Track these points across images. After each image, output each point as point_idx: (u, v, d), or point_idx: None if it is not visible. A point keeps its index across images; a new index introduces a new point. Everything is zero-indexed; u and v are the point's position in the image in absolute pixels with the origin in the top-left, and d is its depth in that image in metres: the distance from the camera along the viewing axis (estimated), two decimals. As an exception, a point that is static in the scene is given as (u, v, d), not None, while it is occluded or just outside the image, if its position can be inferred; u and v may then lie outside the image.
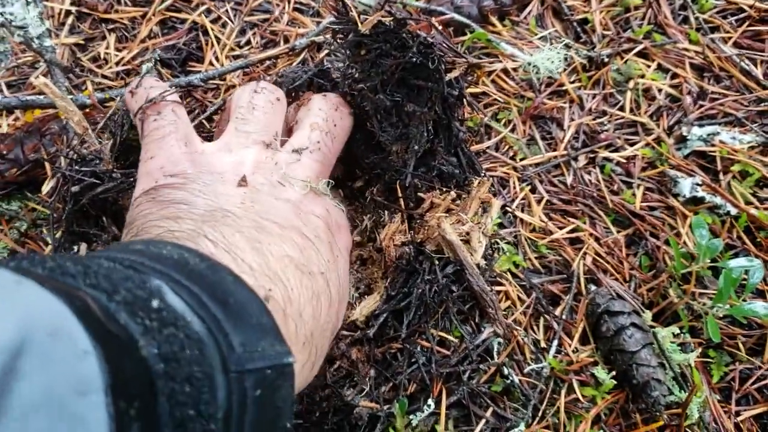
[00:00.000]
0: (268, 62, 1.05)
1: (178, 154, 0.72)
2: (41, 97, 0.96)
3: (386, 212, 0.89)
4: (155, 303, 0.41)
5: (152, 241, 0.53)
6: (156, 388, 0.37)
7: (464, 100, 0.87)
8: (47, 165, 0.92)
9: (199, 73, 1.01)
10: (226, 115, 0.85)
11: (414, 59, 0.80)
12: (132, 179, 0.84)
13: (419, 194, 0.86)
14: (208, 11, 1.11)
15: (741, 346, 0.88)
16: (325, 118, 0.81)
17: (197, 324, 0.43)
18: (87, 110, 0.98)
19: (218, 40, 1.07)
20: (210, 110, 0.97)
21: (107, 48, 1.07)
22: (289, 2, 1.12)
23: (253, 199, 0.68)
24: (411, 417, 0.78)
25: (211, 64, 1.05)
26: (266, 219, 0.65)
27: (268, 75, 1.03)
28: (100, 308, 0.38)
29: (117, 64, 1.05)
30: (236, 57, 1.06)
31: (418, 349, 0.80)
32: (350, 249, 0.82)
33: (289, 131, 0.84)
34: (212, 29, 1.08)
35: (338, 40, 0.90)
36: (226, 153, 0.74)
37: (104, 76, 1.04)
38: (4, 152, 0.94)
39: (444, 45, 0.91)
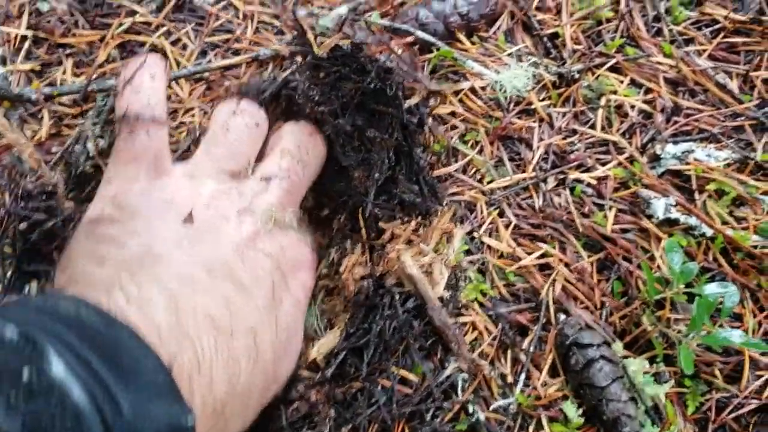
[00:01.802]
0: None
1: (134, 187, 0.69)
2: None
3: (349, 242, 0.87)
4: (25, 373, 0.39)
5: (51, 296, 0.53)
6: None
7: (425, 126, 0.85)
8: (-3, 200, 0.89)
9: None
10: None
11: (372, 84, 0.77)
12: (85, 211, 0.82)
13: (380, 224, 0.83)
14: (168, 33, 1.08)
15: (718, 373, 0.85)
16: (297, 145, 0.78)
17: (77, 392, 0.40)
18: (40, 141, 0.95)
19: (178, 63, 1.04)
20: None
21: (64, 73, 1.04)
22: (251, 21, 1.09)
23: (193, 240, 0.65)
24: (372, 459, 0.75)
25: (169, 86, 1.02)
26: (198, 264, 0.62)
27: (227, 81, 1.01)
28: None
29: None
30: (197, 79, 1.03)
31: (379, 388, 0.77)
32: (310, 288, 0.79)
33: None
34: (172, 51, 1.05)
35: (297, 62, 0.88)
36: (187, 179, 0.71)
37: (60, 103, 1.01)
38: (-45, 186, 0.91)
39: (405, 69, 0.88)
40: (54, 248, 0.81)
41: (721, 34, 1.06)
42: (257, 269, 0.67)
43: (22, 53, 1.06)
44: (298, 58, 0.86)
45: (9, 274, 0.79)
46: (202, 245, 0.65)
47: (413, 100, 0.81)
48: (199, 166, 0.73)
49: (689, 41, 1.06)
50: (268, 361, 0.65)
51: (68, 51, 1.07)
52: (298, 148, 0.78)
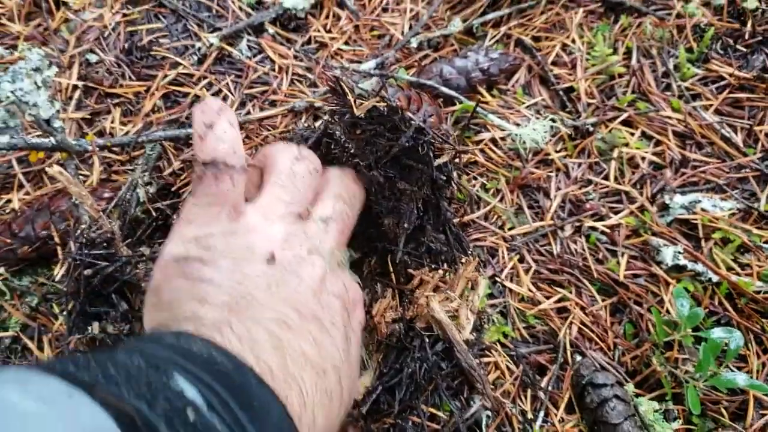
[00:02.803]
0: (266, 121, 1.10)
1: (216, 229, 0.73)
2: (46, 140, 1.00)
3: (379, 286, 0.94)
4: (191, 416, 0.45)
5: (183, 335, 0.57)
6: None
7: (452, 182, 0.91)
8: (58, 247, 0.97)
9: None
10: (256, 172, 0.85)
11: (406, 143, 0.84)
12: (140, 255, 0.89)
13: (409, 270, 0.90)
14: (210, 84, 1.16)
15: (724, 411, 0.91)
16: (345, 189, 0.84)
17: (225, 430, 0.46)
18: (94, 186, 1.03)
19: (219, 113, 1.12)
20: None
21: (113, 122, 1.12)
22: (287, 74, 1.17)
23: (278, 282, 0.69)
24: (403, 490, 0.82)
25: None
26: (289, 306, 0.67)
27: (265, 130, 1.08)
28: (141, 420, 0.42)
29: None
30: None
31: (410, 424, 0.84)
32: (363, 325, 0.83)
33: None
34: (213, 102, 1.13)
35: (335, 120, 0.95)
36: (262, 220, 0.75)
37: (110, 151, 1.08)
38: (16, 230, 0.99)
39: (435, 130, 0.95)
40: (113, 291, 0.88)
41: (727, 90, 1.13)
42: (332, 311, 0.72)
43: (73, 102, 1.14)
44: (336, 116, 0.94)
45: (73, 316, 0.87)
46: (287, 287, 0.69)
47: (442, 159, 0.88)
48: (270, 208, 0.77)
49: (696, 96, 1.13)
50: (347, 396, 0.71)
51: (116, 100, 1.15)
52: (347, 193, 0.84)
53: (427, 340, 0.86)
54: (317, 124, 1.09)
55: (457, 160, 0.98)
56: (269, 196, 0.78)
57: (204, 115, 0.75)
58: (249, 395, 0.51)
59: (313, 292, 0.71)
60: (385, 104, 0.86)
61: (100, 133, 1.11)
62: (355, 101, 0.88)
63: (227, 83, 1.16)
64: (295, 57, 1.19)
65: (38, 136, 1.05)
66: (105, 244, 0.88)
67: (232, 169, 0.75)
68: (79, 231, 0.88)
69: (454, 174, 0.93)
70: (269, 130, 1.10)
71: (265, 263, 0.70)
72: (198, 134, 0.76)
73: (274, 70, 1.18)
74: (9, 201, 1.06)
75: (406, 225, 0.88)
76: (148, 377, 0.46)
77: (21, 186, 1.07)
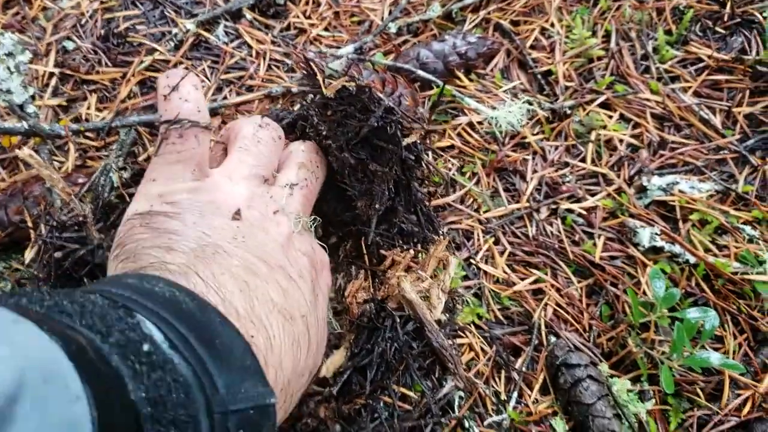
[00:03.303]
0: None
1: (180, 185, 0.73)
2: (19, 124, 0.99)
3: (354, 268, 0.93)
4: (146, 347, 0.44)
5: (146, 276, 0.56)
6: (143, 431, 0.40)
7: (422, 162, 0.91)
8: (31, 232, 0.96)
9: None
10: (220, 147, 0.87)
11: (375, 123, 0.83)
12: (112, 240, 0.88)
13: (381, 251, 0.90)
14: (186, 70, 1.15)
15: (699, 392, 0.90)
16: (309, 159, 0.85)
17: (184, 367, 0.46)
18: (67, 173, 1.02)
19: (195, 98, 1.11)
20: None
21: (89, 108, 1.11)
22: (264, 59, 1.16)
23: (245, 234, 0.70)
24: (374, 471, 0.81)
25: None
26: (256, 257, 0.67)
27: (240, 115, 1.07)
28: (93, 350, 0.41)
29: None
30: (213, 114, 1.10)
31: (381, 404, 0.83)
32: (330, 287, 0.84)
33: None
34: (190, 88, 1.12)
35: (307, 101, 0.94)
36: (227, 180, 0.76)
37: (85, 136, 1.08)
38: (-12, 215, 0.98)
39: (405, 109, 0.95)
40: (84, 274, 0.88)
41: (706, 72, 1.12)
42: (299, 265, 0.73)
43: (50, 89, 1.13)
44: (309, 97, 0.93)
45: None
46: (255, 240, 0.70)
47: (411, 138, 0.88)
48: (236, 171, 0.78)
49: (675, 78, 1.13)
50: (315, 345, 0.71)
51: (92, 87, 1.14)
52: (310, 162, 0.85)
53: (398, 320, 0.85)
54: (295, 108, 1.09)
55: (427, 140, 0.98)
56: (234, 159, 0.79)
57: (168, 79, 0.77)
58: (211, 333, 0.50)
59: (281, 247, 0.72)
60: (355, 83, 0.86)
61: (76, 120, 1.10)
62: (324, 81, 0.88)
63: (204, 69, 1.15)
64: (273, 42, 1.19)
65: (12, 120, 1.05)
66: (76, 227, 0.87)
67: (196, 126, 0.76)
68: (49, 214, 0.87)
69: (424, 154, 0.92)
70: (245, 115, 1.10)
71: (231, 218, 0.71)
72: (162, 95, 0.77)
73: (251, 55, 1.17)
74: (-17, 187, 1.05)
75: (377, 206, 0.87)
76: (104, 311, 0.46)
77: (-5, 173, 1.06)
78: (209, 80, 1.14)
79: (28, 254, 0.94)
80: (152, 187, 0.74)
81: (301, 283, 0.71)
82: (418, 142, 0.89)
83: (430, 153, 1.03)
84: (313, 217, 0.84)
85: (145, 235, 0.67)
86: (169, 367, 0.44)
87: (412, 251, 0.89)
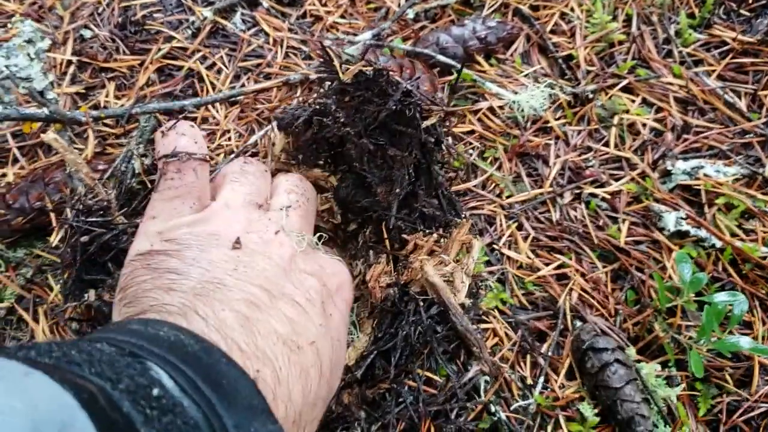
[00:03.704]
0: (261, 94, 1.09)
1: (179, 221, 0.74)
2: (39, 111, 0.99)
3: (373, 253, 0.92)
4: (156, 391, 0.44)
5: (150, 321, 0.56)
6: None
7: (442, 145, 0.90)
8: (53, 215, 0.95)
9: (193, 99, 1.05)
10: (214, 188, 0.87)
11: (393, 107, 0.82)
12: (135, 226, 0.88)
13: (403, 236, 0.89)
14: (204, 58, 1.14)
15: (728, 377, 0.89)
16: (295, 185, 0.86)
17: (194, 409, 0.46)
18: (87, 159, 1.02)
19: (213, 86, 1.11)
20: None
21: (107, 96, 1.11)
22: (281, 46, 1.16)
23: (246, 264, 0.69)
24: (399, 456, 0.80)
25: (206, 109, 1.08)
26: (257, 286, 0.66)
27: (260, 104, 1.06)
28: (104, 397, 0.41)
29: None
30: (231, 102, 1.09)
31: (406, 388, 0.82)
32: (350, 301, 0.82)
33: None
34: (207, 75, 1.12)
35: (324, 88, 0.93)
36: (225, 208, 0.77)
37: (104, 124, 1.07)
38: (10, 202, 0.98)
39: (423, 92, 0.93)
40: (108, 259, 0.87)
41: (730, 55, 1.11)
42: (305, 287, 0.71)
43: (68, 77, 1.13)
44: (326, 84, 0.92)
45: (69, 283, 0.85)
46: (256, 268, 0.69)
47: (431, 121, 0.87)
48: (231, 199, 0.79)
49: (698, 62, 1.11)
50: (328, 370, 0.68)
51: (110, 75, 1.14)
52: (296, 187, 0.86)
53: (421, 304, 0.84)
54: (309, 100, 1.08)
55: (447, 123, 0.97)
56: (227, 189, 0.80)
57: (166, 124, 0.83)
58: (217, 374, 0.51)
59: (284, 271, 0.71)
60: (372, 68, 0.85)
61: (95, 107, 1.10)
62: (341, 67, 0.87)
63: (221, 56, 1.15)
64: (290, 30, 1.18)
65: (32, 107, 1.04)
66: (101, 212, 0.86)
67: (193, 159, 0.78)
68: (75, 198, 0.87)
69: (444, 137, 0.91)
70: (263, 104, 1.09)
71: (231, 248, 0.70)
72: (159, 133, 0.82)
73: (268, 43, 1.16)
74: (4, 175, 1.05)
75: (398, 191, 0.86)
76: (111, 358, 0.46)
77: (16, 160, 1.06)
78: (227, 68, 1.13)
79: (54, 238, 0.94)
80: (152, 225, 0.74)
81: (309, 307, 0.70)
82: (438, 124, 0.88)
83: (450, 138, 1.02)
84: (318, 234, 0.84)
85: (146, 277, 0.68)
86: (179, 410, 0.45)
87: (434, 235, 0.88)
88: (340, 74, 0.87)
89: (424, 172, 0.88)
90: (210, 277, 0.65)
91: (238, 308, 0.62)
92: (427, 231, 0.88)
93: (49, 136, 0.89)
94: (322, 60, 0.90)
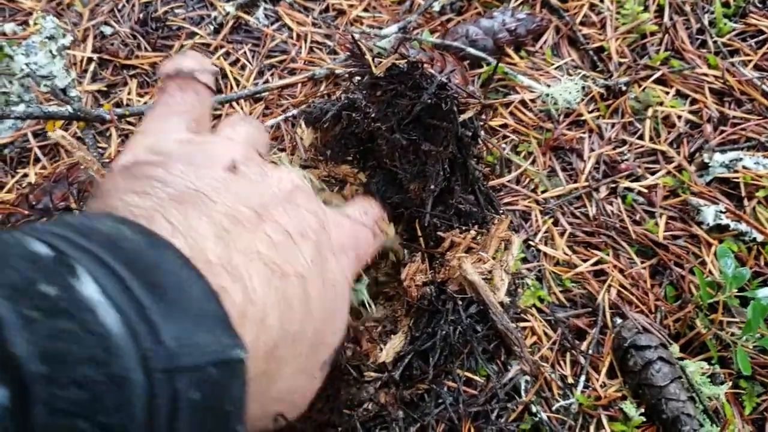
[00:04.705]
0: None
1: (173, 136, 0.64)
2: (62, 108, 0.97)
3: (407, 251, 0.90)
4: (49, 289, 0.35)
5: (94, 215, 0.47)
6: (30, 394, 0.31)
7: (479, 139, 0.88)
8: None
9: (217, 95, 1.03)
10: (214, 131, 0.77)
11: (428, 100, 0.80)
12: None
13: (438, 233, 0.87)
14: (227, 54, 1.12)
15: (773, 375, 0.87)
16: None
17: (110, 315, 0.36)
18: (112, 157, 1.00)
19: (237, 82, 1.09)
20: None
21: (129, 93, 1.09)
22: (305, 41, 1.14)
23: (239, 186, 0.59)
24: (440, 458, 0.78)
25: (231, 106, 1.07)
26: (245, 205, 0.56)
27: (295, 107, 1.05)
28: None
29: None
30: (256, 99, 1.07)
31: (445, 389, 0.80)
32: (354, 267, 0.70)
33: None
34: (231, 72, 1.10)
35: (354, 82, 0.91)
36: (226, 139, 0.67)
37: (128, 122, 1.06)
38: (34, 202, 0.96)
39: (458, 85, 0.91)
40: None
41: (767, 45, 1.08)
42: (302, 222, 0.60)
43: (89, 75, 1.11)
44: (356, 78, 0.91)
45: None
46: (248, 191, 0.58)
47: (467, 114, 0.85)
48: (233, 134, 0.68)
49: (734, 52, 1.09)
50: (318, 312, 0.58)
51: (132, 72, 1.12)
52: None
53: (460, 302, 0.82)
54: (336, 94, 1.06)
55: (483, 116, 0.94)
56: (228, 127, 0.70)
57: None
58: (161, 273, 0.41)
59: (279, 200, 0.60)
60: (405, 60, 0.83)
61: (117, 105, 1.08)
62: (373, 60, 0.85)
63: (245, 52, 1.13)
64: (314, 24, 1.16)
65: (54, 105, 1.03)
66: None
67: (197, 80, 0.69)
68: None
69: (481, 131, 0.89)
70: (288, 100, 1.07)
71: (226, 170, 0.59)
72: (166, 59, 0.72)
73: (292, 38, 1.15)
74: (25, 176, 1.03)
75: (432, 187, 0.84)
76: (6, 252, 0.36)
77: (37, 160, 1.04)
78: (251, 63, 1.12)
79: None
80: (141, 139, 0.63)
81: (300, 240, 0.59)
82: (474, 117, 0.86)
83: (483, 132, 0.99)
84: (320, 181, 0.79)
85: (122, 183, 0.56)
86: (86, 316, 0.35)
87: (472, 232, 0.86)
88: (373, 68, 0.85)
89: (459, 168, 0.86)
90: (194, 189, 0.55)
91: (218, 220, 0.52)
92: (464, 228, 0.86)
93: (57, 134, 0.87)
94: (350, 54, 0.88)
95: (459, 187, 0.88)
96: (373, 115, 0.85)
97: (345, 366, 0.81)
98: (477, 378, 0.81)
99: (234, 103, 1.06)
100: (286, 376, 0.55)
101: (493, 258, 0.85)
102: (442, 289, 0.83)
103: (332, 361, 0.65)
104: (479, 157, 0.96)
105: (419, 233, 0.88)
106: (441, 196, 0.87)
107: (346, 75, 1.05)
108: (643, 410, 0.82)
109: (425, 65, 0.87)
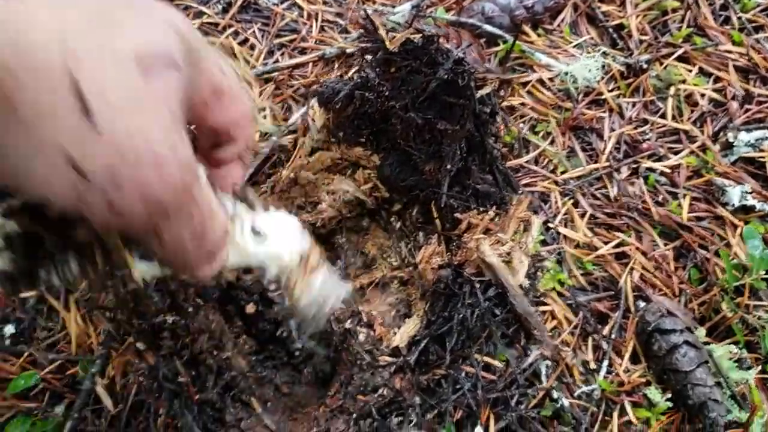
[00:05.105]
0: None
1: None
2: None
3: (422, 234, 0.88)
4: None
5: None
6: None
7: (497, 116, 0.85)
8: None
9: None
10: None
11: (444, 76, 0.78)
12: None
13: (455, 215, 0.84)
14: (236, 33, 1.10)
15: (802, 360, 0.84)
16: None
17: None
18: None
19: (247, 62, 1.06)
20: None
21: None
22: (316, 20, 1.11)
23: None
24: (458, 445, 0.76)
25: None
26: None
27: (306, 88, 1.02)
28: None
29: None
30: (266, 79, 1.05)
31: (463, 374, 0.78)
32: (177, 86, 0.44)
33: None
34: (241, 52, 1.07)
35: (367, 59, 0.88)
36: None
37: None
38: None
39: (475, 60, 0.88)
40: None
41: (793, 20, 1.05)
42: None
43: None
44: (368, 56, 0.88)
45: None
46: None
47: (485, 90, 0.82)
48: None
49: (759, 28, 1.05)
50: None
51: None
52: None
53: (477, 285, 0.79)
54: (349, 74, 1.03)
55: (501, 92, 0.92)
56: None
57: None
58: None
59: None
60: (421, 35, 0.80)
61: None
62: (387, 35, 0.82)
63: (254, 31, 1.10)
64: (325, 3, 1.13)
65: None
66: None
67: None
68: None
69: (499, 108, 0.86)
70: (299, 80, 1.04)
71: None
72: None
73: (302, 16, 1.12)
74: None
75: (449, 167, 0.82)
76: None
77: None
78: (260, 43, 1.09)
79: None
80: None
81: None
82: (492, 94, 0.83)
83: (500, 111, 0.97)
84: None
85: None
86: None
87: (490, 213, 0.83)
88: (387, 43, 0.83)
89: (477, 147, 0.83)
90: None
91: None
92: (482, 209, 0.84)
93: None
94: (362, 30, 0.85)
95: (476, 167, 0.85)
96: (386, 94, 0.82)
97: (357, 351, 0.79)
98: (496, 363, 0.79)
99: (244, 84, 1.03)
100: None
101: (512, 240, 0.82)
102: (459, 271, 0.81)
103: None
104: (497, 135, 0.93)
105: (435, 215, 0.86)
106: (458, 176, 0.84)
107: (359, 52, 1.02)
108: (668, 396, 0.79)
109: (441, 41, 0.84)
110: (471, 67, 0.79)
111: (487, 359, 0.79)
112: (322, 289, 0.63)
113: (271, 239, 0.55)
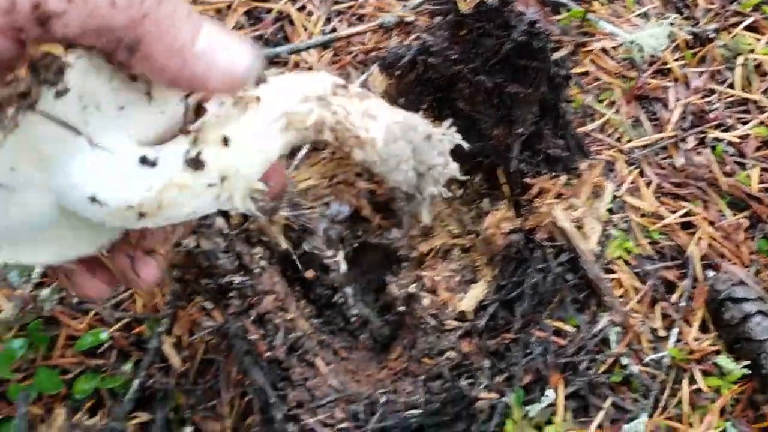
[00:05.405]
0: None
1: None
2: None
3: (487, 200, 0.87)
4: None
5: None
6: None
7: (571, 80, 0.84)
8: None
9: (287, 45, 1.01)
10: None
11: (518, 38, 0.77)
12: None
13: (525, 180, 0.83)
14: (293, 0, 1.09)
15: None
16: None
17: None
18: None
19: (305, 28, 1.06)
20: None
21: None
22: (375, -13, 1.10)
23: None
24: (527, 408, 0.75)
25: (298, 54, 1.03)
26: None
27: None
28: None
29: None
30: (324, 46, 1.04)
31: (533, 339, 0.78)
32: None
33: None
34: (298, 18, 1.07)
35: (437, 21, 0.88)
36: None
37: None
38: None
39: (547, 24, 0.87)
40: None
41: None
42: None
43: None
44: (437, 18, 0.87)
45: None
46: None
47: (561, 53, 0.81)
48: None
49: (831, -3, 1.04)
50: None
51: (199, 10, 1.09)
52: None
53: (549, 250, 0.79)
54: (413, 38, 1.02)
55: (576, 56, 0.91)
56: None
57: None
58: None
59: None
60: None
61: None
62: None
63: (313, -2, 1.09)
64: (384, -31, 1.12)
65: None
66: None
67: None
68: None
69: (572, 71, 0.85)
70: (357, 47, 1.04)
71: None
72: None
73: (361, -17, 1.11)
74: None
75: (520, 131, 0.81)
76: None
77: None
78: (318, 10, 1.08)
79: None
80: None
81: None
82: (567, 57, 0.82)
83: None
84: None
85: None
86: None
87: (563, 178, 0.82)
88: (459, 4, 0.82)
89: (550, 110, 0.82)
90: None
91: None
92: (553, 174, 0.83)
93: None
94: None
95: (549, 130, 0.84)
96: (454, 57, 0.81)
97: (421, 315, 0.79)
98: (567, 328, 0.78)
99: (303, 52, 1.03)
100: None
101: (585, 205, 0.82)
102: (531, 237, 0.80)
103: None
104: (570, 100, 0.92)
105: (503, 181, 0.85)
106: (528, 140, 0.83)
107: (427, 15, 1.01)
108: (742, 365, 0.78)
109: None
110: (547, 29, 0.78)
111: (557, 324, 0.79)
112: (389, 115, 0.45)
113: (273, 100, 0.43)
